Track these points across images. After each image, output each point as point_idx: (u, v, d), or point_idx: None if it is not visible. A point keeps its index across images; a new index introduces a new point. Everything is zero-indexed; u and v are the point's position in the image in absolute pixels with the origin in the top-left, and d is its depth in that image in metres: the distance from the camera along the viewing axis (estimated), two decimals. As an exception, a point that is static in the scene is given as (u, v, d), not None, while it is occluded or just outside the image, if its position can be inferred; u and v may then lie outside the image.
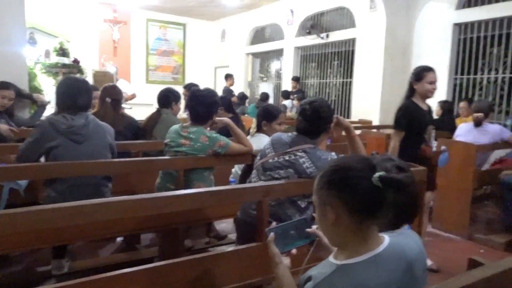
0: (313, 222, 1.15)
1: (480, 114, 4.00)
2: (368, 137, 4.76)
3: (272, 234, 1.22)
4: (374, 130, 5.58)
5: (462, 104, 5.32)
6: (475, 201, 3.95)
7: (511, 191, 3.64)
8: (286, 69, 9.00)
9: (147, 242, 3.32)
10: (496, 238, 3.61)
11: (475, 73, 5.90)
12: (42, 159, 2.44)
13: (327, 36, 7.76)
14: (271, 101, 8.71)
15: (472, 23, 5.84)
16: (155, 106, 3.75)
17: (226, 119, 2.82)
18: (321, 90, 8.39)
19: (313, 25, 8.06)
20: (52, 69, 7.10)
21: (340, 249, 1.05)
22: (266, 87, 9.83)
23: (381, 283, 0.96)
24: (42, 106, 4.14)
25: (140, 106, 7.74)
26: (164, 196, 1.75)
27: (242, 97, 8.10)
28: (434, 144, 3.89)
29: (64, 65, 7.19)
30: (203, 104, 2.64)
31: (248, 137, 2.99)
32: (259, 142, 2.77)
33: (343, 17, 7.57)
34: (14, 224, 1.39)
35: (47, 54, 7.49)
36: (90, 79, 7.88)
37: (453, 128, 4.50)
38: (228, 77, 8.78)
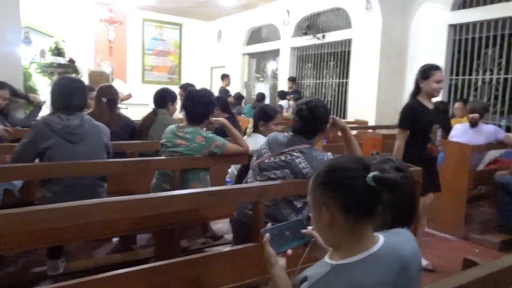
0: (310, 222, 1.15)
1: (476, 115, 4.03)
2: (364, 137, 4.77)
3: (267, 234, 1.22)
4: (370, 131, 5.59)
5: (457, 104, 5.35)
6: (470, 201, 3.97)
7: (506, 191, 3.66)
8: (282, 69, 9.01)
9: (143, 243, 3.30)
10: (491, 238, 3.63)
11: (470, 74, 5.93)
12: (37, 160, 2.43)
13: (323, 36, 7.77)
14: (267, 101, 8.71)
15: (467, 24, 5.87)
16: (151, 106, 3.74)
17: (222, 120, 2.82)
18: (317, 90, 8.40)
19: (309, 25, 8.07)
20: (47, 69, 7.07)
21: (335, 249, 1.05)
22: (262, 88, 9.84)
23: (376, 282, 0.96)
24: (38, 106, 4.12)
25: (136, 106, 7.72)
26: (160, 197, 1.75)
27: (239, 97, 8.10)
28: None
29: (60, 65, 7.17)
30: (199, 104, 2.64)
31: (245, 137, 2.99)
32: (256, 142, 2.77)
33: (339, 18, 7.59)
34: (9, 224, 1.39)
35: (42, 53, 7.45)
36: (85, 79, 7.85)
37: (448, 129, 4.51)
38: (224, 77, 8.78)
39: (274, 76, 9.77)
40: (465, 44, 5.93)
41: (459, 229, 3.78)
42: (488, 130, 4.02)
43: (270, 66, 10.01)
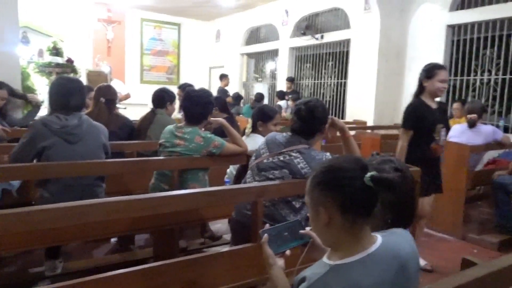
0: (308, 222, 1.15)
1: (474, 115, 4.03)
2: (362, 137, 4.77)
3: (265, 235, 1.22)
4: (369, 131, 5.59)
5: (455, 105, 5.36)
6: (469, 201, 3.98)
7: (504, 191, 3.67)
8: (281, 69, 9.01)
9: (141, 243, 3.30)
10: (489, 238, 3.64)
11: (468, 75, 5.94)
12: (35, 160, 2.42)
13: (322, 37, 7.78)
14: (266, 101, 8.71)
15: (465, 25, 5.88)
16: (149, 106, 3.74)
17: (220, 120, 2.82)
18: (315, 90, 8.40)
19: (308, 25, 8.07)
20: (45, 69, 7.06)
21: (334, 249, 1.05)
22: (260, 88, 9.84)
23: (374, 282, 0.97)
24: (37, 106, 4.10)
25: (135, 106, 7.71)
26: (158, 197, 1.75)
27: (237, 97, 8.10)
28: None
29: (58, 65, 7.15)
30: (198, 105, 2.63)
31: (243, 137, 2.99)
32: (254, 142, 2.77)
33: (338, 18, 7.59)
34: (7, 224, 1.38)
35: (40, 53, 7.44)
36: (84, 79, 7.84)
37: (447, 129, 4.52)
38: (223, 77, 8.78)
39: (273, 76, 9.77)
40: (463, 44, 5.94)
41: (458, 229, 3.78)
42: (487, 131, 4.03)
43: (269, 66, 10.01)
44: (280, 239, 1.25)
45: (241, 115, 7.03)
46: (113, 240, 3.27)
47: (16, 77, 4.24)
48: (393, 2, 6.54)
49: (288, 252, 1.24)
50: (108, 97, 3.37)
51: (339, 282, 0.96)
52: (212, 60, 11.45)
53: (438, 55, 6.09)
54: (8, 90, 3.76)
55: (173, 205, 1.76)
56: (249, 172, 2.20)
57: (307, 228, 1.27)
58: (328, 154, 2.06)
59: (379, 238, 1.04)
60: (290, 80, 8.34)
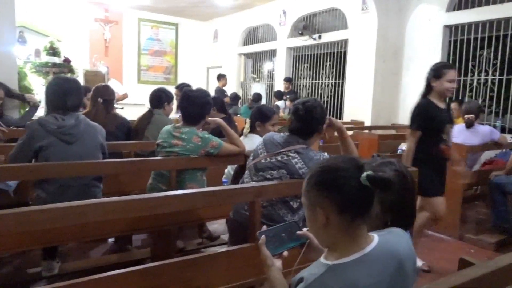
0: (306, 223, 1.15)
1: (471, 116, 4.05)
2: (360, 137, 4.77)
3: (263, 237, 1.22)
4: (366, 131, 5.60)
5: (452, 105, 5.34)
6: (466, 201, 3.99)
7: (501, 191, 3.68)
8: (279, 69, 9.02)
9: (138, 243, 3.29)
10: (486, 238, 3.65)
11: (466, 75, 5.96)
12: (33, 160, 2.41)
13: (320, 37, 7.79)
14: (263, 101, 8.71)
15: (462, 26, 5.90)
16: (147, 106, 3.73)
17: (218, 120, 2.82)
18: (313, 91, 8.41)
19: (306, 26, 8.08)
20: (42, 69, 7.03)
21: (331, 249, 1.05)
22: (258, 88, 9.84)
23: (372, 281, 0.97)
24: (34, 106, 4.08)
25: (132, 106, 7.70)
26: (156, 197, 1.74)
27: (235, 97, 8.09)
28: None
29: (55, 65, 7.13)
30: (196, 105, 2.63)
31: (241, 137, 2.99)
32: (252, 142, 2.77)
33: (336, 18, 7.60)
34: (4, 225, 1.38)
35: (37, 53, 7.42)
36: (81, 79, 7.81)
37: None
38: (221, 77, 8.76)
39: (271, 76, 9.78)
40: (460, 45, 5.96)
41: (455, 230, 3.79)
42: (484, 131, 4.05)
43: (267, 66, 10.01)
44: (278, 240, 1.25)
45: (238, 115, 7.03)
46: (110, 240, 3.26)
47: (13, 77, 4.21)
48: (390, 2, 6.56)
49: (285, 253, 1.24)
50: (105, 97, 3.36)
51: (337, 282, 0.96)
52: (209, 60, 11.44)
53: (435, 56, 6.11)
54: (4, 90, 3.75)
55: (170, 205, 1.76)
56: (246, 172, 2.20)
57: (304, 229, 1.27)
58: (326, 154, 2.06)
59: (376, 238, 1.05)
60: (288, 80, 8.34)
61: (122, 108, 6.91)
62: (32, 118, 3.85)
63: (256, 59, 10.27)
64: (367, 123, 6.60)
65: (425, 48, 6.31)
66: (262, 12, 9.28)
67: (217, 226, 3.61)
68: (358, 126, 6.25)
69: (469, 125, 4.06)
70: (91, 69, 8.81)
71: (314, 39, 7.85)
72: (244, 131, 3.14)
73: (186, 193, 1.86)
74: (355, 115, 6.92)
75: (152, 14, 10.72)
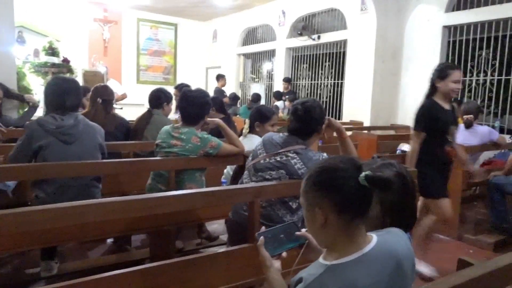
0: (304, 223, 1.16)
1: (470, 116, 4.06)
2: (359, 138, 4.77)
3: (261, 238, 1.22)
4: (365, 131, 5.60)
5: (451, 105, 5.38)
6: (465, 202, 3.99)
7: (500, 192, 3.68)
8: (278, 70, 9.02)
9: (137, 244, 3.29)
10: (485, 239, 3.65)
11: (464, 75, 5.96)
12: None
13: (319, 37, 7.79)
14: (262, 102, 8.71)
15: (461, 26, 5.91)
16: (146, 107, 3.73)
17: (217, 120, 2.82)
18: (312, 91, 8.42)
19: (305, 26, 8.08)
20: (41, 69, 7.03)
21: (330, 250, 1.05)
22: (257, 88, 9.84)
23: (370, 281, 0.97)
24: (33, 107, 4.07)
25: (131, 107, 7.68)
26: (155, 197, 1.74)
27: (234, 97, 8.09)
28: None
29: (54, 65, 7.12)
30: (195, 105, 2.63)
31: (240, 138, 2.99)
32: (251, 143, 2.77)
33: (335, 19, 7.60)
34: (2, 225, 1.37)
35: (36, 53, 7.41)
36: (80, 79, 7.81)
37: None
38: (220, 77, 8.76)
39: (270, 76, 9.78)
40: (459, 45, 5.97)
41: (454, 230, 3.79)
42: (483, 131, 4.05)
43: (266, 66, 10.01)
44: (276, 241, 1.25)
45: (238, 116, 7.03)
46: (109, 240, 3.26)
47: (11, 77, 4.21)
48: (389, 2, 6.56)
49: (284, 254, 1.24)
50: (105, 98, 3.36)
51: (335, 282, 0.96)
52: (208, 61, 11.44)
53: (434, 56, 6.12)
54: (3, 90, 3.75)
55: (169, 206, 1.76)
56: (246, 172, 2.20)
57: (303, 230, 1.27)
58: (325, 154, 2.06)
59: (374, 238, 1.05)
60: (287, 80, 8.34)
61: (121, 108, 6.90)
62: (31, 119, 3.84)
63: (255, 59, 10.27)
64: (366, 123, 6.60)
65: (424, 49, 6.31)
66: (261, 12, 9.29)
67: (216, 226, 3.61)
68: (357, 126, 6.25)
69: (468, 125, 4.06)
70: (90, 69, 8.81)
71: (313, 39, 7.85)
72: (244, 131, 3.14)
73: (185, 193, 1.86)
74: (354, 116, 6.92)
75: (151, 14, 10.72)
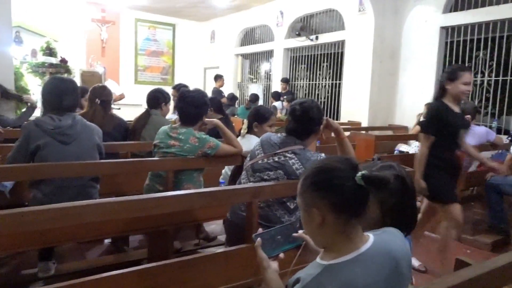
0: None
1: (468, 116, 4.06)
2: (357, 138, 4.79)
3: (259, 239, 1.23)
4: (363, 132, 5.61)
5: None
6: (462, 202, 3.98)
7: (497, 192, 3.69)
8: (276, 70, 9.02)
9: (135, 244, 3.29)
10: (483, 239, 3.66)
11: (462, 76, 5.96)
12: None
13: (317, 38, 7.80)
14: (260, 102, 8.71)
15: (458, 27, 5.92)
16: (144, 107, 3.72)
17: (215, 120, 2.82)
18: (310, 91, 8.42)
19: (303, 27, 8.09)
20: (39, 69, 7.02)
21: (327, 250, 1.06)
22: (255, 89, 9.83)
23: (367, 280, 0.97)
24: (32, 107, 4.06)
25: (129, 107, 7.68)
26: (153, 198, 1.74)
27: (232, 98, 8.09)
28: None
29: (51, 65, 7.11)
30: (193, 105, 2.63)
31: (238, 138, 2.99)
32: (249, 143, 2.77)
33: (332, 19, 7.61)
34: (0, 226, 1.37)
35: (33, 53, 7.40)
36: (77, 79, 7.80)
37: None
38: (218, 78, 8.76)
39: (268, 77, 9.78)
40: (457, 46, 5.98)
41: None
42: (480, 132, 4.06)
43: (264, 67, 10.02)
44: (273, 242, 1.25)
45: (236, 116, 7.02)
46: (107, 241, 3.25)
47: (9, 77, 4.21)
48: (387, 3, 6.58)
49: (281, 255, 1.24)
50: (103, 98, 3.35)
51: (333, 281, 0.97)
52: (206, 61, 11.43)
53: (431, 57, 6.14)
54: (1, 90, 3.73)
55: (167, 206, 1.76)
56: (244, 173, 2.20)
57: (300, 231, 1.27)
58: (323, 154, 2.06)
59: (371, 237, 1.05)
60: (285, 81, 8.35)
61: (119, 108, 6.90)
62: (29, 119, 3.83)
63: (253, 59, 10.27)
64: (364, 124, 6.61)
65: (421, 49, 6.33)
66: (259, 13, 9.29)
67: (214, 226, 3.61)
68: (355, 127, 6.27)
69: (466, 126, 4.07)
70: (88, 70, 8.80)
71: (311, 40, 7.86)
72: (242, 131, 3.14)
73: (183, 193, 1.86)
74: (352, 116, 6.93)
75: (149, 15, 10.71)
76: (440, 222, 3.01)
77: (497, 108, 5.60)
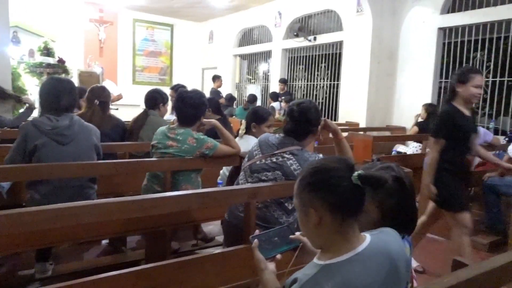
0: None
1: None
2: (355, 139, 4.79)
3: (256, 240, 1.23)
4: (361, 132, 5.63)
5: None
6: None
7: (494, 193, 3.70)
8: (274, 71, 9.03)
9: (133, 245, 3.28)
10: (480, 239, 3.67)
11: (460, 77, 5.98)
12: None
13: (315, 38, 7.81)
14: (259, 103, 8.71)
15: (456, 28, 5.94)
16: (142, 107, 3.72)
17: (213, 121, 2.81)
18: (308, 92, 8.43)
19: (301, 27, 8.10)
20: (36, 69, 7.01)
21: (324, 250, 1.06)
22: (253, 89, 9.84)
23: (368, 280, 0.97)
24: (30, 108, 4.04)
25: (127, 107, 7.67)
26: (150, 198, 1.74)
27: (230, 98, 8.09)
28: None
29: (49, 65, 7.10)
30: (191, 106, 2.62)
31: (237, 138, 2.99)
32: (247, 144, 2.77)
33: (331, 20, 7.63)
34: (-3, 227, 1.36)
35: (31, 53, 7.39)
36: (75, 80, 7.79)
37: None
38: (216, 78, 8.76)
39: (266, 77, 9.79)
40: (454, 47, 6.00)
41: (449, 231, 3.80)
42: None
43: (262, 67, 10.02)
44: (271, 244, 1.25)
45: (234, 117, 7.02)
46: (104, 242, 3.25)
47: (6, 77, 4.20)
48: (385, 4, 6.59)
49: (278, 256, 1.25)
50: (102, 99, 3.34)
51: (330, 281, 0.97)
52: (205, 61, 11.43)
53: (429, 57, 6.16)
54: (-1, 90, 3.72)
55: (165, 207, 1.76)
56: (241, 173, 2.19)
57: (297, 233, 1.28)
58: (321, 155, 2.06)
59: (368, 237, 1.05)
60: (283, 81, 8.36)
61: (117, 109, 6.89)
62: (27, 119, 3.82)
63: (252, 60, 10.28)
64: (362, 124, 6.62)
65: (419, 50, 6.35)
66: (258, 13, 9.30)
67: (212, 227, 3.61)
68: (353, 127, 6.27)
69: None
70: (86, 70, 8.79)
71: (309, 40, 7.87)
72: (240, 132, 3.14)
73: (181, 194, 1.86)
74: (350, 117, 6.94)
75: (147, 15, 10.70)
76: (444, 224, 2.98)
77: (494, 109, 5.62)
